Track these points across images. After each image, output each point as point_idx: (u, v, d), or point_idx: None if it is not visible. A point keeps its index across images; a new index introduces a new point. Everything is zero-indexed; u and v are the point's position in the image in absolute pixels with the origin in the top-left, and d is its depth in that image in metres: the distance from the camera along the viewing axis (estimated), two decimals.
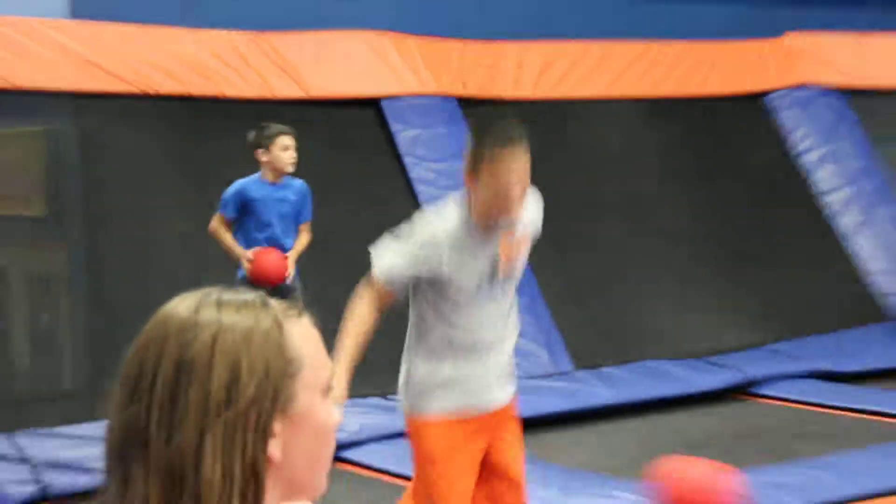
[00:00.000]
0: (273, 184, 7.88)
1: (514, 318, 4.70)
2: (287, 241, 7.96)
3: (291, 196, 7.97)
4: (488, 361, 4.52)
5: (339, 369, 4.46)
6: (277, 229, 7.91)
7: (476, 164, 4.29)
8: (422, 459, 4.53)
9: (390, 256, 4.44)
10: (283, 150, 7.83)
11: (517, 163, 4.21)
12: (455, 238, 4.37)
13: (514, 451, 4.66)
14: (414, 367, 4.54)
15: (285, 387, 1.49)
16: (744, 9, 12.81)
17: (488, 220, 4.37)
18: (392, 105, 10.12)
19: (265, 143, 7.84)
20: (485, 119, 4.37)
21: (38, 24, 9.26)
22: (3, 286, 9.07)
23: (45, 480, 6.98)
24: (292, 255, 7.94)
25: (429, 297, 4.45)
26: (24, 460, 7.24)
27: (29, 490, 6.84)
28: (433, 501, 4.46)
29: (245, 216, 7.87)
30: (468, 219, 4.39)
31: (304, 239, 8.08)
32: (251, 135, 7.92)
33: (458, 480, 4.46)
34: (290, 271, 7.90)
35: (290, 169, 7.89)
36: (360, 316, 4.47)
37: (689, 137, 11.31)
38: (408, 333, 4.64)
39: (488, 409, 4.51)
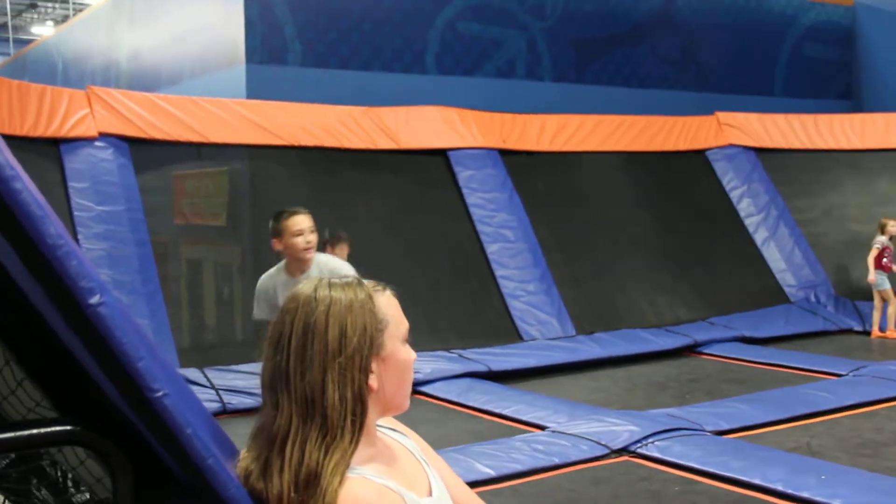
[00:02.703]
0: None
1: None
2: None
3: None
4: None
5: None
6: None
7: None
8: None
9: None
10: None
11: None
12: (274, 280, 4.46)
13: None
14: None
15: (377, 337, 1.54)
16: (690, 96, 12.92)
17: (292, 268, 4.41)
18: (455, 154, 10.06)
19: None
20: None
21: (226, 101, 9.32)
22: (199, 270, 9.15)
23: (224, 400, 7.02)
24: None
25: None
26: (210, 386, 7.28)
27: (214, 406, 6.85)
28: None
29: None
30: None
31: None
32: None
33: None
34: None
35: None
36: None
37: (654, 178, 11.21)
38: None
39: None
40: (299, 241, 4.31)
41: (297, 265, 4.39)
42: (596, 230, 10.43)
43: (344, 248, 7.29)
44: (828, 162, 11.85)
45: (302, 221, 4.29)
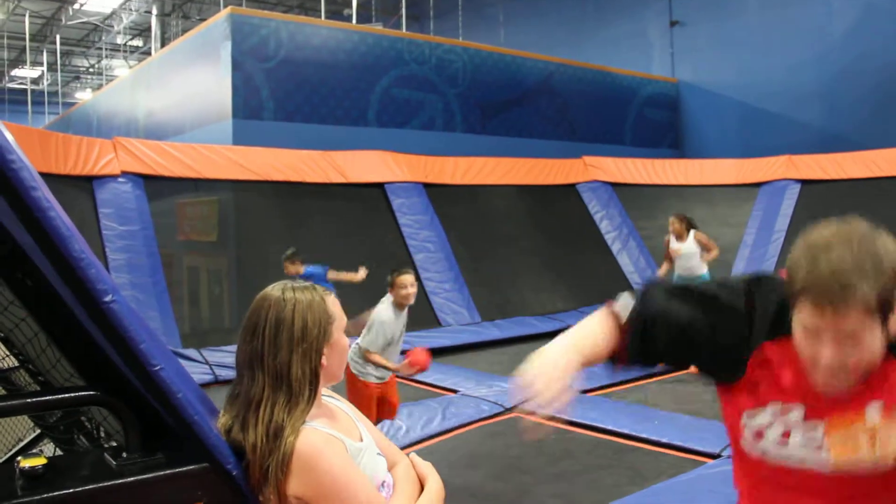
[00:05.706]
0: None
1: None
2: None
3: None
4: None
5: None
6: None
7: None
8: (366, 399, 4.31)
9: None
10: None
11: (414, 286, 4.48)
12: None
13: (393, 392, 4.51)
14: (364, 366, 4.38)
15: (328, 328, 1.55)
16: (564, 144, 13.08)
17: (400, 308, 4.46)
18: (390, 187, 10.04)
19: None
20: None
21: (217, 147, 9.18)
22: (196, 275, 8.98)
23: (216, 373, 6.93)
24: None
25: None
26: (205, 362, 7.18)
27: (207, 378, 6.79)
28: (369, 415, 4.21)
29: None
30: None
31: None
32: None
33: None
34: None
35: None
36: None
37: (538, 204, 11.32)
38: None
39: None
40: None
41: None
42: (496, 243, 10.51)
43: (298, 265, 6.69)
44: (661, 193, 12.11)
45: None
